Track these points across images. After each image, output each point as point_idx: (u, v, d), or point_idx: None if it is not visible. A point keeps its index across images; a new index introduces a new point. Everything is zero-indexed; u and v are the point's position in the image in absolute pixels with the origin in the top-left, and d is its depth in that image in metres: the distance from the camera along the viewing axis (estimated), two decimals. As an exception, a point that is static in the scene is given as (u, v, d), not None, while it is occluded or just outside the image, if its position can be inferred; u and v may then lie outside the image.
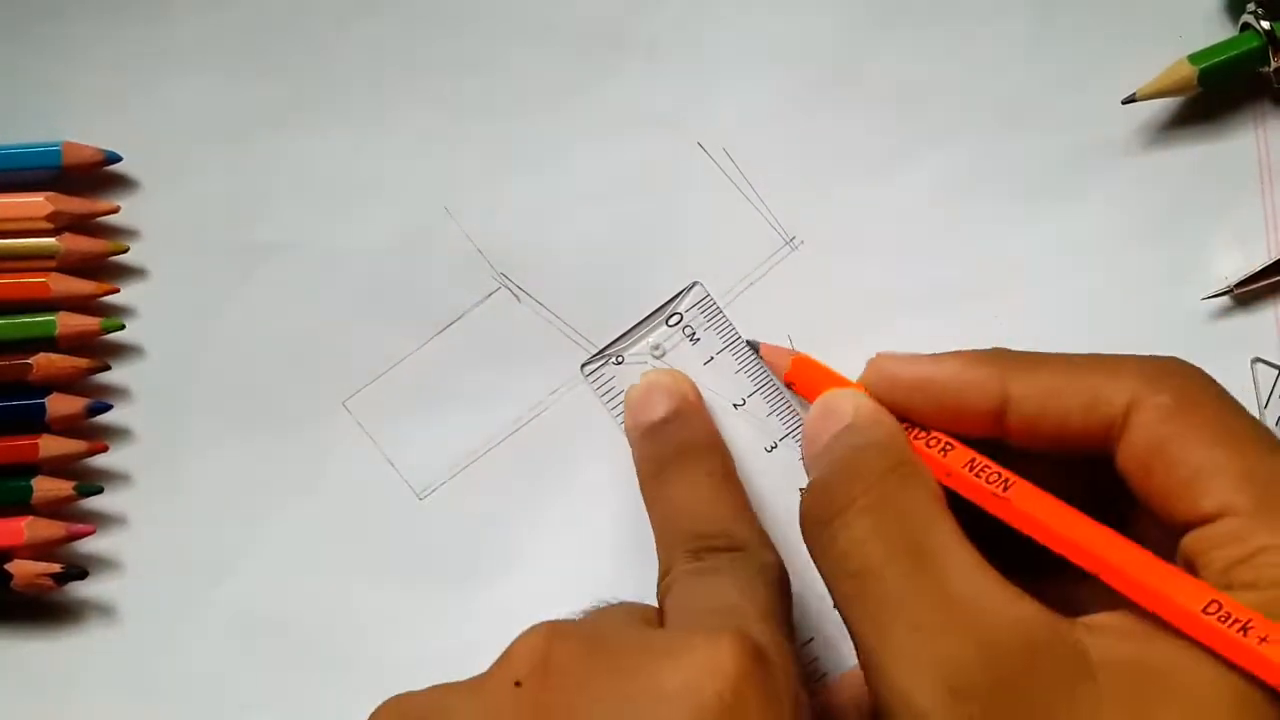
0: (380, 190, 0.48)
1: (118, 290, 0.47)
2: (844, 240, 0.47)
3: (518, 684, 0.34)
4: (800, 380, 0.43)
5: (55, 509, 0.46)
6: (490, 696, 0.34)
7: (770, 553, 0.40)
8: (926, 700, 0.31)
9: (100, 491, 0.46)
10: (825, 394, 0.39)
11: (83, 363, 0.46)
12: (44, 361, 0.46)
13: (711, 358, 0.46)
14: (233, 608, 0.46)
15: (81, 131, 0.48)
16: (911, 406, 0.37)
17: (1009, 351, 0.36)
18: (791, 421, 0.45)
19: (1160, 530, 0.33)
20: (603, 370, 0.46)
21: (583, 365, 0.46)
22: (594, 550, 0.46)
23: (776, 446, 0.45)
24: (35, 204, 0.46)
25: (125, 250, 0.47)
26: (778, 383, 0.46)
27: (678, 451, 0.43)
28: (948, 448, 0.36)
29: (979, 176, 0.47)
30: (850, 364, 0.45)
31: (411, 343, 0.47)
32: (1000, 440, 0.36)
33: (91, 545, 0.46)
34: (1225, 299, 0.45)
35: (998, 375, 0.35)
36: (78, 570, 0.45)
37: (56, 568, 0.45)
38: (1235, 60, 0.45)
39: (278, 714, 0.45)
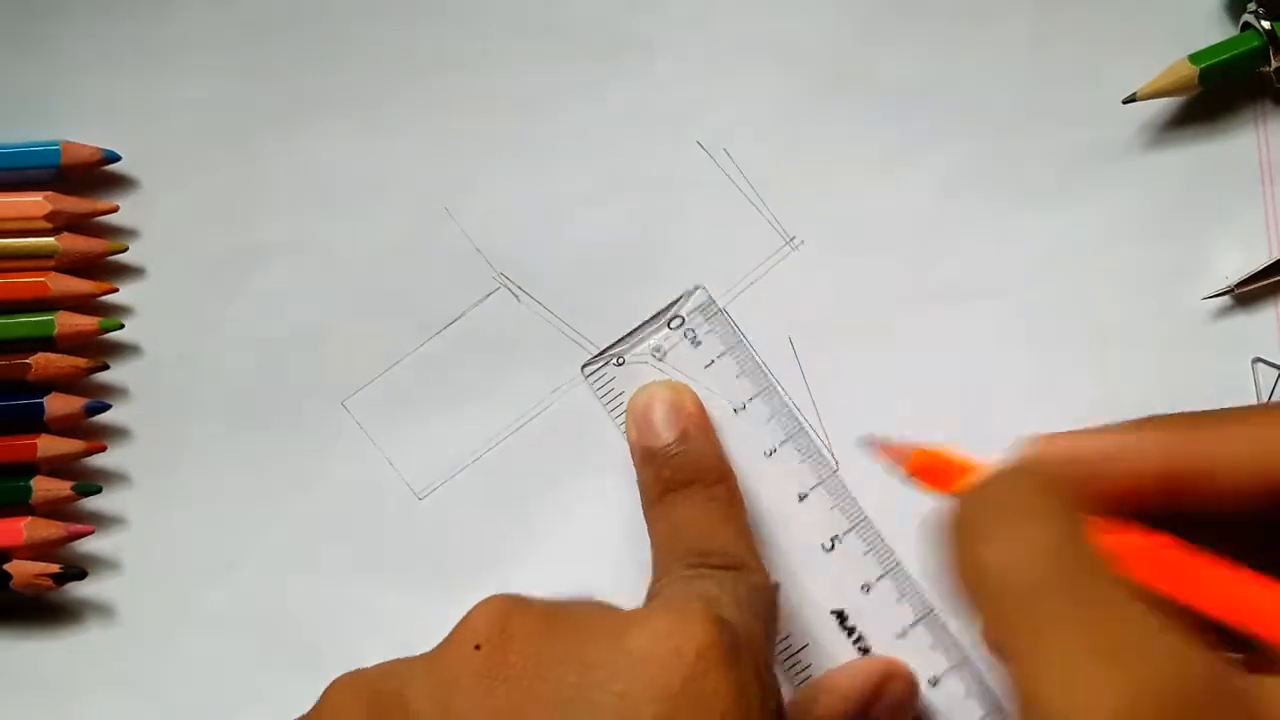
0: (380, 190, 0.48)
1: (116, 290, 0.47)
2: (845, 240, 0.47)
3: (477, 647, 0.33)
4: (923, 472, 0.38)
5: (54, 509, 0.46)
6: (448, 662, 0.34)
7: (764, 575, 0.40)
8: None
9: (99, 491, 0.46)
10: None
11: (81, 362, 0.46)
12: (42, 361, 0.46)
13: (712, 361, 0.46)
14: (231, 607, 0.46)
15: (80, 131, 0.47)
16: (1082, 481, 0.33)
17: (1173, 418, 0.33)
18: (791, 427, 0.45)
19: None
20: (603, 371, 0.46)
21: (583, 366, 0.46)
22: (593, 550, 0.46)
23: (776, 451, 0.45)
24: (34, 203, 0.46)
25: (124, 250, 0.47)
26: (779, 388, 0.46)
27: (684, 478, 0.42)
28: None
29: (980, 176, 0.47)
30: (851, 363, 0.46)
31: (411, 342, 0.47)
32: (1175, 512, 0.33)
33: (90, 545, 0.46)
34: (1226, 298, 0.45)
35: (1163, 443, 0.33)
36: (77, 571, 0.45)
37: (55, 568, 0.45)
38: (1236, 60, 0.45)
39: (276, 713, 0.45)
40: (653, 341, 0.46)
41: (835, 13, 0.48)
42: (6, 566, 0.44)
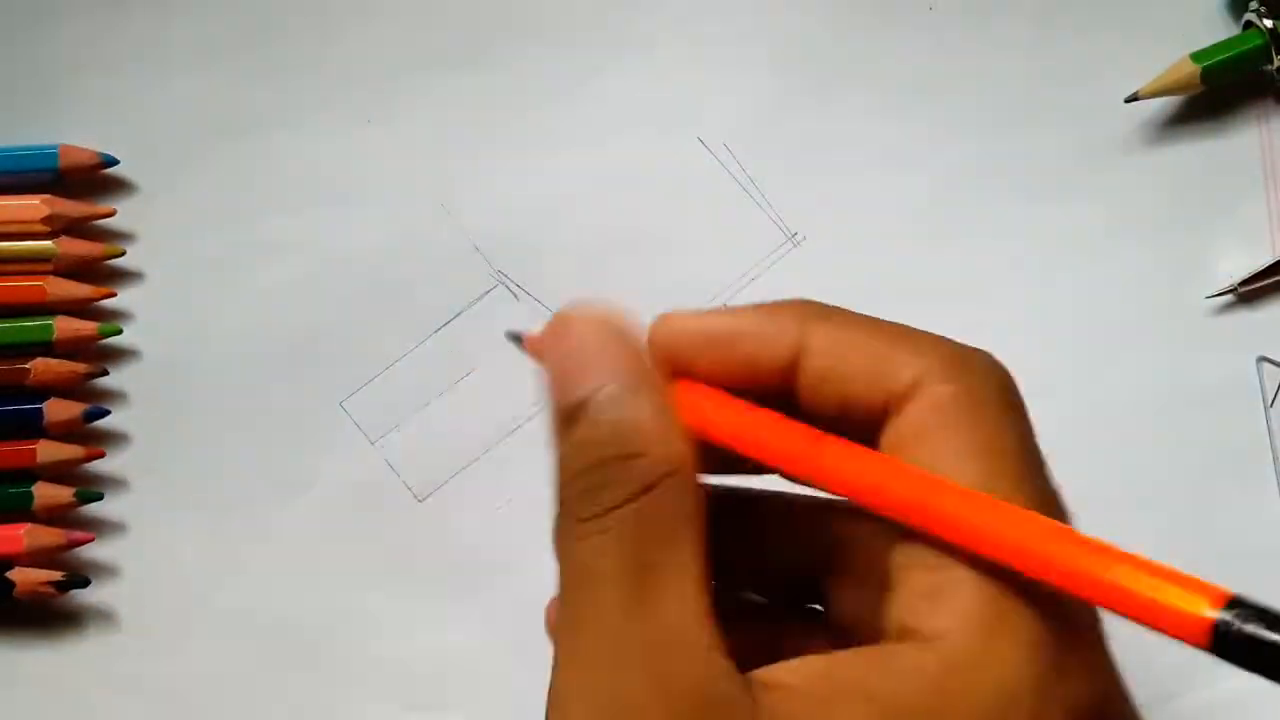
0: (378, 189, 0.48)
1: (114, 294, 0.47)
2: (846, 236, 0.47)
3: None
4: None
5: (56, 515, 0.45)
6: None
7: None
8: None
9: (100, 498, 0.46)
10: (574, 316, 0.33)
11: (81, 368, 0.46)
12: (42, 366, 0.45)
13: None
14: (232, 611, 0.46)
15: (78, 134, 0.47)
16: (701, 362, 0.32)
17: (814, 303, 0.32)
18: None
19: None
20: None
21: None
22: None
23: None
24: (32, 207, 0.46)
25: (122, 254, 0.47)
26: None
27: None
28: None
29: (982, 173, 0.47)
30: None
31: (409, 341, 0.47)
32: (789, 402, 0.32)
33: (91, 551, 0.46)
34: (1230, 297, 0.45)
35: (797, 324, 0.31)
36: (80, 578, 0.45)
37: (59, 576, 0.45)
38: (1238, 58, 0.45)
39: (279, 716, 0.45)
40: None
41: (836, 10, 0.48)
42: (10, 574, 0.44)
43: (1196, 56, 0.45)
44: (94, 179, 0.47)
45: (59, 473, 0.46)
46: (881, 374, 0.31)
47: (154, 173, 0.48)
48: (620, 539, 0.30)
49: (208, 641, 0.46)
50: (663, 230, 0.47)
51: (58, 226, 0.46)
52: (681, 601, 0.30)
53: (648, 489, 0.30)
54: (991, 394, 0.31)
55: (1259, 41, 0.45)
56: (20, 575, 0.44)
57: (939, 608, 0.29)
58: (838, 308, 0.32)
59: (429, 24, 0.48)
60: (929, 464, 0.29)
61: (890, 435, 0.30)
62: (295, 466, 0.46)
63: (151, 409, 0.47)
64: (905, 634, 0.29)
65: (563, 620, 0.31)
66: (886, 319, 0.32)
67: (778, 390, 0.32)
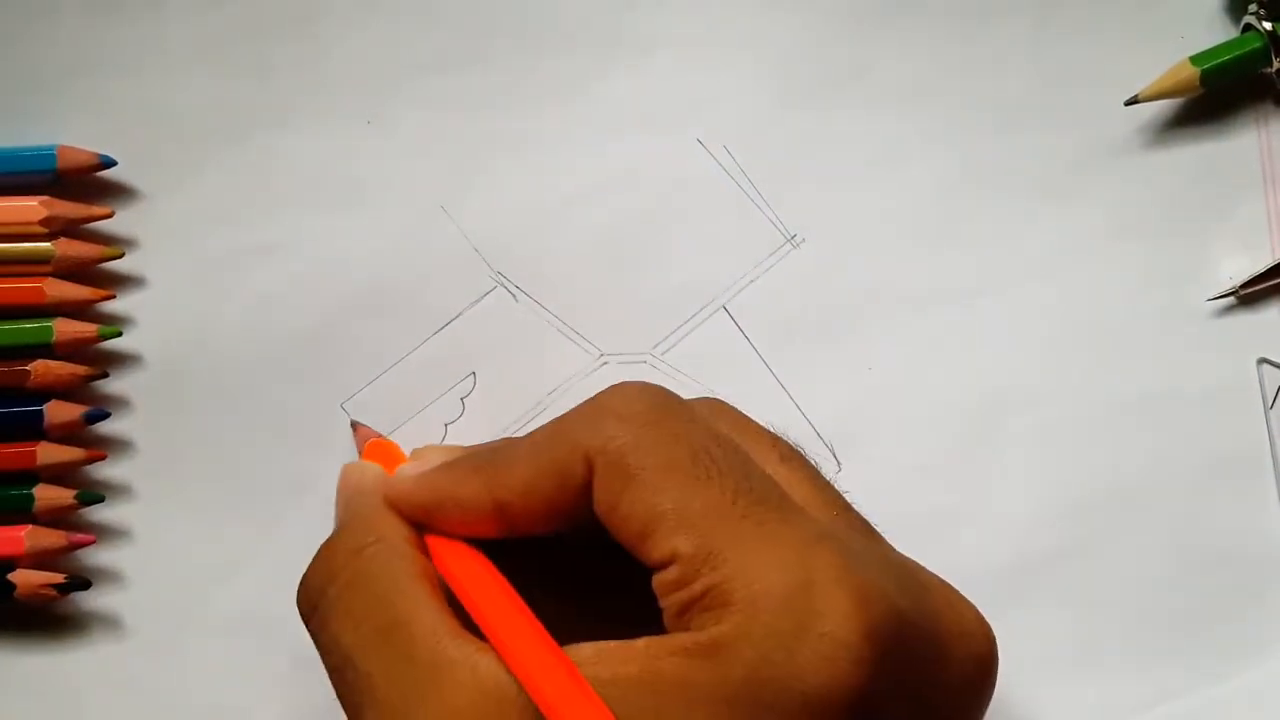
0: (377, 190, 0.48)
1: (113, 296, 0.47)
2: (845, 238, 0.47)
3: None
4: (379, 459, 0.42)
5: (57, 518, 0.45)
6: None
7: None
8: None
9: (102, 500, 0.46)
10: (346, 465, 0.41)
11: (81, 370, 0.46)
12: (42, 368, 0.45)
13: None
14: (234, 612, 0.46)
15: (76, 134, 0.47)
16: (429, 521, 0.37)
17: (497, 451, 0.37)
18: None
19: None
20: None
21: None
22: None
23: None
24: (29, 208, 0.46)
25: (120, 255, 0.47)
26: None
27: None
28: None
29: (982, 176, 0.47)
30: (852, 363, 0.46)
31: (408, 343, 0.47)
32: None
33: (92, 554, 0.46)
34: (1230, 299, 0.46)
35: (485, 489, 0.36)
36: (81, 580, 0.45)
37: (60, 578, 0.44)
38: (1237, 61, 0.45)
39: (279, 717, 0.45)
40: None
41: (836, 10, 0.48)
42: (11, 576, 0.44)
43: (1196, 59, 0.45)
44: (92, 180, 0.47)
45: (60, 475, 0.45)
46: (563, 480, 0.34)
47: (153, 174, 0.47)
48: (349, 612, 0.35)
49: (209, 642, 0.46)
50: (662, 232, 0.47)
51: (56, 228, 0.46)
52: (424, 634, 0.33)
53: (358, 553, 0.36)
54: (641, 433, 0.34)
55: (1258, 44, 0.45)
56: (21, 577, 0.44)
57: (696, 612, 0.32)
58: (503, 451, 0.36)
59: (429, 26, 0.48)
60: (633, 520, 0.33)
61: (598, 509, 0.34)
62: (296, 467, 0.46)
63: (152, 411, 0.47)
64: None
65: (345, 705, 0.35)
66: (546, 427, 0.36)
67: (497, 533, 0.36)
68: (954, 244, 0.47)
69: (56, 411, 0.45)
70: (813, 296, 0.47)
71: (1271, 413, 0.45)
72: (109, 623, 0.46)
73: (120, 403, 0.47)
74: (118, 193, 0.47)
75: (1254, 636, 0.45)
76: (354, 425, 0.46)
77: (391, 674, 0.33)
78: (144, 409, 0.47)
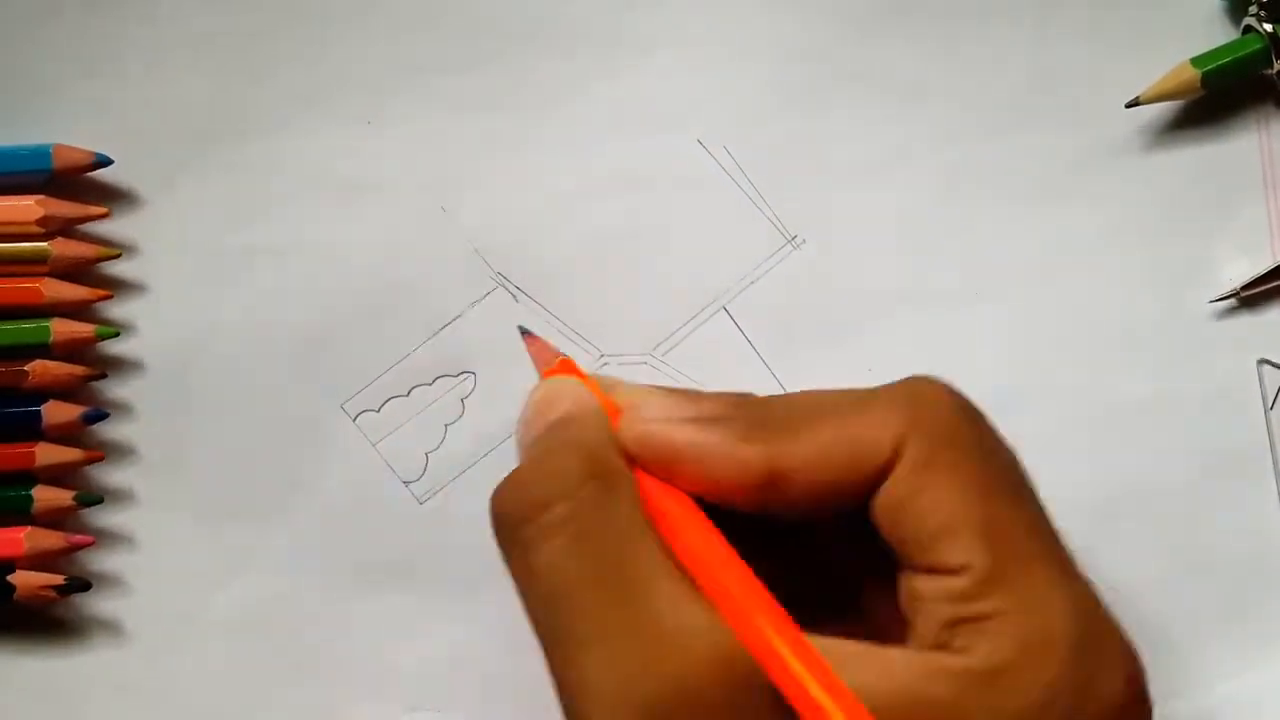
0: (377, 190, 0.48)
1: (111, 296, 0.46)
2: (846, 239, 0.47)
3: None
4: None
5: (56, 519, 0.45)
6: None
7: None
8: None
9: (100, 501, 0.45)
10: (548, 380, 0.37)
11: (79, 370, 0.45)
12: (40, 369, 0.45)
13: None
14: (234, 615, 0.46)
15: (73, 133, 0.47)
16: (668, 469, 0.34)
17: (771, 412, 0.34)
18: None
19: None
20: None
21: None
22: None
23: None
24: (26, 207, 0.46)
25: (118, 255, 0.47)
26: None
27: None
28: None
29: (983, 178, 0.47)
30: (852, 363, 0.46)
31: (409, 344, 0.47)
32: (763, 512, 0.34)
33: (91, 555, 0.46)
34: (1231, 301, 0.46)
35: (763, 454, 0.33)
36: (81, 582, 0.45)
37: (60, 579, 0.44)
38: (1238, 63, 0.46)
39: (279, 717, 0.45)
40: None
41: (836, 11, 0.48)
42: (10, 578, 0.44)
43: (1196, 61, 0.46)
44: (89, 180, 0.47)
45: (58, 476, 0.45)
46: (861, 461, 0.33)
47: (150, 174, 0.47)
48: (578, 542, 0.32)
49: (208, 643, 0.46)
50: (662, 233, 0.47)
51: (52, 227, 0.46)
52: (665, 596, 0.31)
53: (583, 484, 0.33)
54: (957, 427, 0.33)
55: (1259, 45, 0.45)
56: (21, 579, 0.44)
57: (971, 630, 0.31)
58: (792, 416, 0.34)
59: (428, 25, 0.48)
60: (928, 519, 0.32)
61: (880, 507, 0.33)
62: (296, 468, 0.46)
63: (150, 411, 0.47)
64: (937, 647, 0.31)
65: (548, 629, 0.32)
66: (844, 397, 0.34)
67: (747, 505, 0.34)
68: (954, 245, 0.47)
69: (55, 412, 0.45)
70: (813, 297, 0.47)
71: (1272, 414, 0.45)
72: (108, 625, 0.46)
73: (118, 403, 0.46)
74: (114, 192, 0.47)
75: (1255, 637, 0.45)
76: (524, 333, 0.42)
77: (622, 622, 0.31)
78: (143, 410, 0.47)
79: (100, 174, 0.47)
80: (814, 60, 0.48)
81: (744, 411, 0.35)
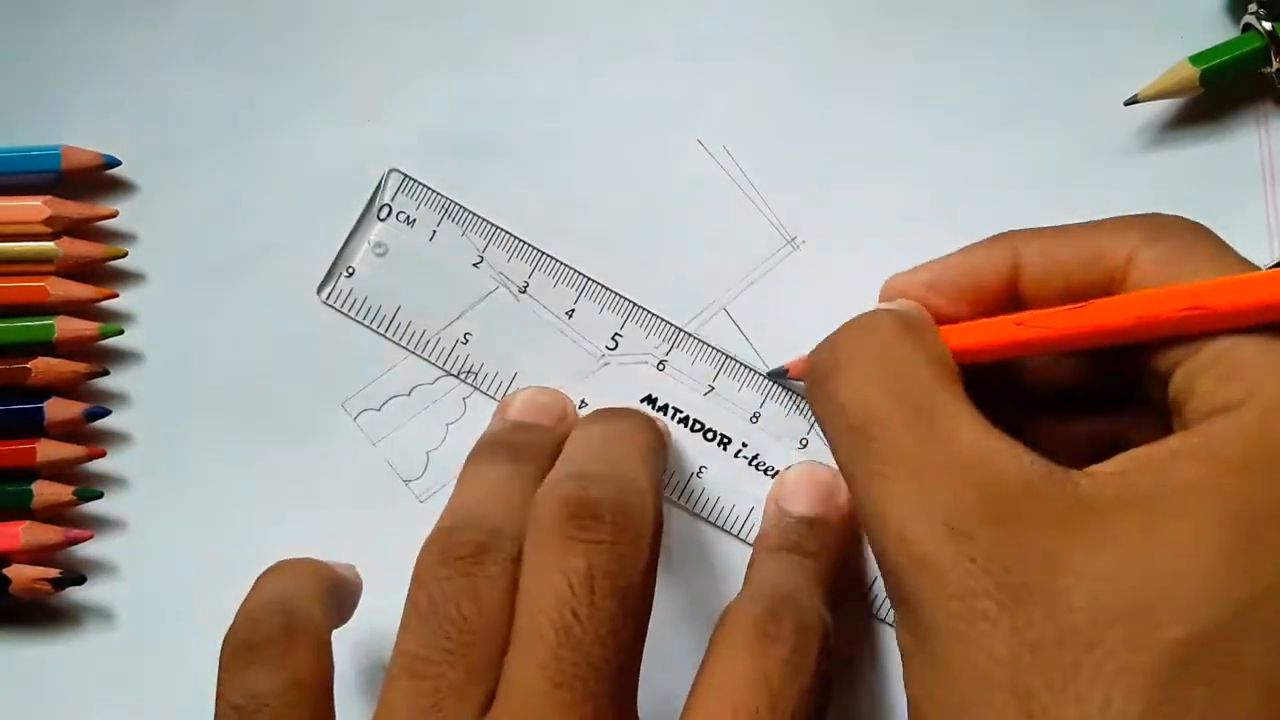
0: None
1: (116, 295, 0.47)
2: (845, 239, 0.47)
3: None
4: None
5: (55, 514, 0.46)
6: None
7: None
8: (927, 543, 0.31)
9: (100, 496, 0.46)
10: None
11: (82, 367, 0.46)
12: (42, 366, 0.46)
13: (433, 232, 0.47)
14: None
15: (80, 135, 0.47)
16: (934, 300, 0.38)
17: (1014, 230, 0.38)
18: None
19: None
20: (338, 287, 0.47)
21: (319, 290, 0.47)
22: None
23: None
24: (33, 208, 0.46)
25: (124, 255, 0.47)
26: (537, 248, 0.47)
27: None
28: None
29: (982, 176, 0.47)
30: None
31: (408, 343, 0.47)
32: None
33: (90, 550, 0.46)
34: (1228, 300, 0.45)
35: (1007, 247, 0.37)
36: (76, 575, 0.45)
37: (55, 573, 0.45)
38: (1237, 61, 0.45)
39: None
40: (371, 238, 0.47)
41: (836, 11, 0.48)
42: (5, 571, 0.44)
43: (1195, 59, 0.45)
44: (96, 180, 0.47)
45: (59, 472, 0.46)
46: (1097, 257, 0.36)
47: (156, 173, 0.48)
48: (887, 382, 0.34)
49: (207, 641, 0.46)
50: (661, 232, 0.47)
51: (59, 228, 0.46)
52: (968, 426, 0.33)
53: (892, 333, 0.36)
54: (1201, 240, 0.36)
55: (1258, 44, 0.45)
56: (16, 572, 0.45)
57: (1235, 384, 0.32)
58: (1035, 228, 0.38)
59: (429, 24, 0.48)
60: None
61: (1149, 268, 0.35)
62: (297, 466, 0.47)
63: (152, 409, 0.47)
64: (1213, 414, 0.32)
65: (854, 459, 0.34)
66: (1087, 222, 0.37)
67: (1000, 305, 0.37)
68: (954, 245, 0.46)
69: (57, 409, 0.46)
70: (813, 298, 0.46)
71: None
72: (105, 618, 0.46)
73: (120, 400, 0.47)
74: (121, 192, 0.48)
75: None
76: (776, 376, 0.46)
77: (928, 442, 0.33)
78: (144, 407, 0.47)
79: (107, 174, 0.47)
80: (814, 60, 0.48)
81: (987, 237, 0.39)
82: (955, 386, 0.34)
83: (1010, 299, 0.37)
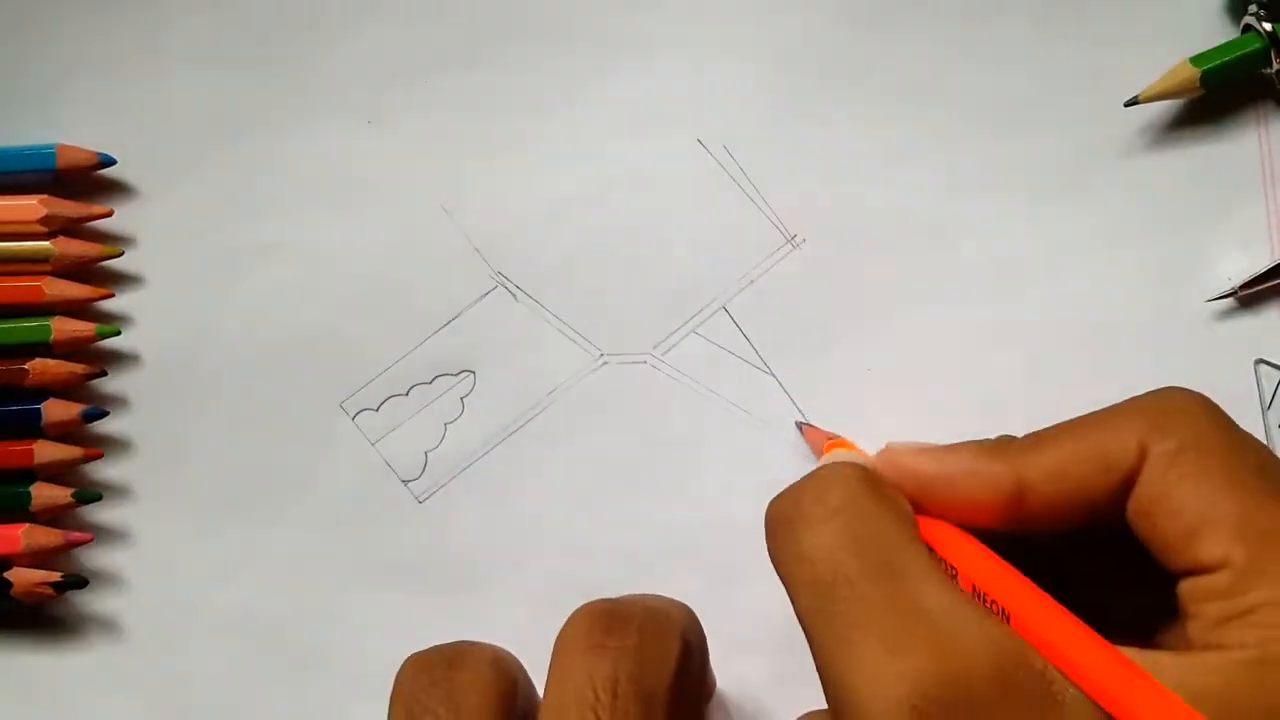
0: (377, 190, 0.48)
1: (112, 295, 0.47)
2: (845, 239, 0.47)
3: None
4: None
5: (54, 516, 0.45)
6: None
7: None
8: (888, 718, 0.30)
9: (99, 499, 0.46)
10: (832, 452, 0.39)
11: (79, 368, 0.46)
12: (40, 367, 0.45)
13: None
14: (232, 613, 0.46)
15: (76, 133, 0.47)
16: (924, 499, 0.36)
17: (1014, 439, 0.36)
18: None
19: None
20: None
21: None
22: (593, 552, 0.45)
23: None
24: (29, 207, 0.46)
25: (119, 254, 0.47)
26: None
27: None
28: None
29: (982, 177, 0.47)
30: (852, 363, 0.46)
31: (408, 342, 0.47)
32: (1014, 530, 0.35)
33: (90, 553, 0.46)
34: (1230, 300, 0.45)
35: (1009, 467, 0.35)
36: (77, 579, 0.45)
37: (56, 576, 0.45)
38: (1237, 62, 0.45)
39: (278, 717, 0.45)
40: None
41: (836, 11, 0.48)
42: (7, 574, 0.44)
43: (1196, 60, 0.45)
44: (92, 179, 0.47)
45: (57, 473, 0.46)
46: (1107, 465, 0.33)
47: (153, 173, 0.48)
48: (854, 536, 0.33)
49: (207, 642, 0.46)
50: (662, 232, 0.47)
51: (55, 227, 0.46)
52: (935, 589, 0.32)
53: (857, 493, 0.34)
54: (1208, 429, 0.33)
55: (1258, 45, 0.45)
56: (18, 576, 0.44)
57: (1240, 625, 0.31)
58: (1034, 434, 0.35)
59: (429, 25, 0.48)
60: (1184, 515, 0.32)
61: (1133, 507, 0.33)
62: (295, 467, 0.46)
63: (150, 410, 0.47)
64: (1209, 647, 0.31)
65: (817, 613, 0.33)
66: (1086, 416, 0.35)
67: (998, 524, 0.35)
68: (953, 244, 0.47)
69: (54, 410, 0.45)
70: (813, 297, 0.47)
71: (1269, 413, 0.45)
72: (106, 623, 0.46)
73: (118, 401, 0.47)
74: (117, 192, 0.48)
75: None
76: (801, 427, 0.45)
77: (895, 607, 0.31)
78: (142, 408, 0.47)
79: (103, 173, 0.47)
80: (814, 60, 0.48)
81: (988, 442, 0.36)
82: (919, 544, 0.33)
83: (1008, 515, 0.35)
